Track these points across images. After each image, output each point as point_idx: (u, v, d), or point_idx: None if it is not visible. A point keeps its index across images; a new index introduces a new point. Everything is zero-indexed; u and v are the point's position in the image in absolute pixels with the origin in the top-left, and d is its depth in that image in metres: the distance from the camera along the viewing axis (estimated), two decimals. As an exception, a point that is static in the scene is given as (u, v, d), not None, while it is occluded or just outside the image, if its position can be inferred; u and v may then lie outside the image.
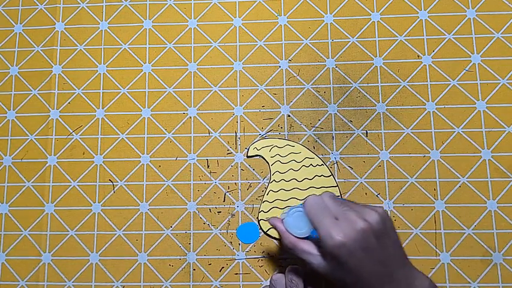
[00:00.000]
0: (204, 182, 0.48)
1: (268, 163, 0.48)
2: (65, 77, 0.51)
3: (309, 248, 0.36)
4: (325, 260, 0.34)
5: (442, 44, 0.49)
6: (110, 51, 0.51)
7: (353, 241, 0.32)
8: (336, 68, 0.49)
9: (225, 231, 0.47)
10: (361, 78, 0.49)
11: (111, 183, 0.48)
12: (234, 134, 0.49)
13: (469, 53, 0.49)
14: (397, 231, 0.35)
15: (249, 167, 0.48)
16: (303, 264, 0.37)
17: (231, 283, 0.45)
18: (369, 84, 0.49)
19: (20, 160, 0.49)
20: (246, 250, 0.46)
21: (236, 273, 0.46)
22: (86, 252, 0.47)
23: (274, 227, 0.39)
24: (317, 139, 0.48)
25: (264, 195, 0.47)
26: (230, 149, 0.48)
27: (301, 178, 0.47)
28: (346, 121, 0.48)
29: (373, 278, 0.33)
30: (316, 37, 0.50)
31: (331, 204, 0.36)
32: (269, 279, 0.45)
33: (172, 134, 0.49)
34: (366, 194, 0.46)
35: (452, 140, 0.47)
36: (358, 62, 0.49)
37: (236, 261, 0.46)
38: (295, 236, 0.37)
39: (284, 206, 0.46)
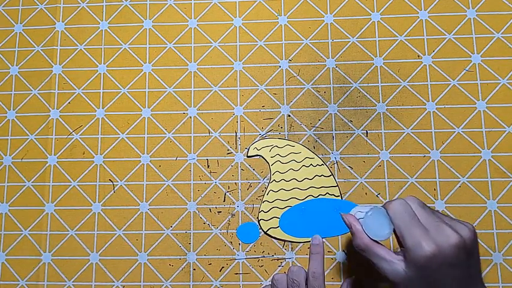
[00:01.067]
0: (204, 182, 0.48)
1: (268, 163, 0.48)
2: (65, 77, 0.51)
3: (385, 253, 0.34)
4: (403, 268, 0.33)
5: (442, 44, 0.49)
6: (110, 51, 0.51)
7: (445, 255, 0.31)
8: (336, 68, 0.49)
9: (225, 231, 0.47)
10: (361, 78, 0.49)
11: (111, 183, 0.48)
12: (234, 134, 0.49)
13: (469, 53, 0.49)
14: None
15: (249, 167, 0.48)
16: (368, 267, 0.36)
17: (231, 283, 0.45)
18: (369, 84, 0.49)
19: (20, 160, 0.49)
20: (246, 250, 0.46)
21: (236, 273, 0.46)
22: (86, 252, 0.47)
23: (348, 225, 0.37)
24: (317, 139, 0.48)
25: (264, 195, 0.47)
26: (230, 149, 0.48)
27: (301, 178, 0.47)
28: (346, 121, 0.48)
29: None
30: (316, 37, 0.50)
31: (421, 213, 0.34)
32: (270, 279, 0.45)
33: (172, 134, 0.49)
34: (366, 194, 0.46)
35: (452, 140, 0.47)
36: (358, 62, 0.50)
37: (236, 261, 0.46)
38: (371, 239, 0.36)
39: (284, 206, 0.46)
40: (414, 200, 0.35)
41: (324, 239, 0.46)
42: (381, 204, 0.38)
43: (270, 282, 0.41)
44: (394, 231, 0.35)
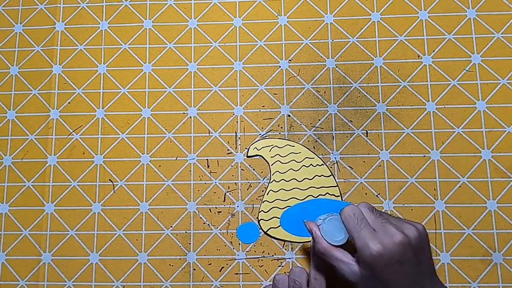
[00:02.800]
0: (204, 182, 0.48)
1: (268, 163, 0.48)
2: (65, 77, 0.51)
3: (342, 255, 0.37)
4: (358, 268, 0.35)
5: (442, 44, 0.49)
6: (110, 51, 0.51)
7: (390, 253, 0.33)
8: (336, 68, 0.49)
9: (225, 231, 0.47)
10: (361, 78, 0.49)
11: (111, 183, 0.48)
12: (234, 134, 0.49)
13: (469, 53, 0.49)
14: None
15: (249, 167, 0.48)
16: (331, 270, 0.38)
17: (231, 283, 0.45)
18: (369, 84, 0.49)
19: (20, 160, 0.49)
20: (246, 250, 0.46)
21: (236, 273, 0.46)
22: (86, 252, 0.47)
23: (310, 231, 0.39)
24: (317, 139, 0.48)
25: (264, 195, 0.47)
26: (230, 149, 0.48)
27: (301, 178, 0.47)
28: (346, 121, 0.48)
29: None
30: (316, 37, 0.50)
31: (369, 216, 0.37)
32: (271, 279, 0.45)
33: (172, 134, 0.49)
34: (366, 194, 0.46)
35: (452, 140, 0.47)
36: (358, 62, 0.50)
37: (236, 261, 0.46)
38: (329, 243, 0.38)
39: (284, 206, 0.46)
40: (365, 205, 0.38)
41: None
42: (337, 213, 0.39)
43: (271, 283, 0.41)
44: None
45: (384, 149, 0.47)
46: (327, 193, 0.46)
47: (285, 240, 0.46)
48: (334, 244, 0.38)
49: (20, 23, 0.53)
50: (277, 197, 0.47)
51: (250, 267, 0.46)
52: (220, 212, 0.47)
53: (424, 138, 0.47)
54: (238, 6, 0.52)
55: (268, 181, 0.47)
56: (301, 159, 0.47)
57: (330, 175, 0.47)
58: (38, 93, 0.51)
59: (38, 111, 0.50)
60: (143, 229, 0.47)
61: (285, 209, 0.46)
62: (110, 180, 0.48)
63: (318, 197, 0.46)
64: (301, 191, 0.46)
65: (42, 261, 0.47)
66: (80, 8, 0.53)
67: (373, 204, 0.45)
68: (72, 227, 0.47)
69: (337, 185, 0.47)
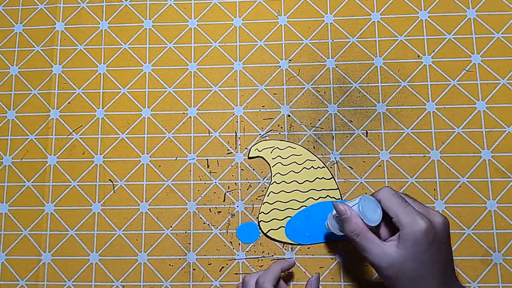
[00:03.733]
0: (204, 182, 0.48)
1: (269, 165, 0.48)
2: (65, 77, 0.51)
3: (375, 238, 0.36)
4: (394, 250, 0.35)
5: (442, 44, 0.49)
6: (110, 51, 0.51)
7: (436, 231, 0.34)
8: (336, 68, 0.49)
9: (225, 231, 0.47)
10: (361, 78, 0.49)
11: (111, 183, 0.48)
12: (234, 134, 0.49)
13: (469, 53, 0.49)
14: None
15: (249, 167, 0.48)
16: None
17: (231, 283, 0.45)
18: (369, 84, 0.49)
19: (20, 160, 0.49)
20: (246, 250, 0.46)
21: (236, 273, 0.46)
22: (86, 252, 0.47)
23: (343, 212, 0.38)
24: (317, 139, 0.48)
25: (264, 196, 0.47)
26: (230, 149, 0.48)
27: (302, 180, 0.47)
28: (346, 121, 0.48)
29: (440, 277, 0.34)
30: (316, 37, 0.50)
31: (406, 198, 0.37)
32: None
33: (172, 134, 0.49)
34: (365, 194, 0.46)
35: (452, 140, 0.47)
36: (358, 62, 0.49)
37: (236, 261, 0.46)
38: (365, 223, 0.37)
39: (284, 208, 0.46)
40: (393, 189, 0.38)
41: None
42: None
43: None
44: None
45: (384, 149, 0.47)
46: (328, 196, 0.46)
47: (284, 242, 0.46)
48: (368, 225, 0.37)
49: (20, 23, 0.53)
50: (277, 198, 0.46)
51: (250, 267, 0.46)
52: (220, 212, 0.47)
53: (424, 138, 0.47)
54: (238, 6, 0.52)
55: (268, 181, 0.47)
56: (303, 161, 0.47)
57: (331, 177, 0.47)
58: (38, 93, 0.51)
59: (38, 111, 0.50)
60: (143, 229, 0.47)
61: (285, 211, 0.46)
62: (109, 180, 0.48)
63: (319, 199, 0.46)
64: (302, 193, 0.46)
65: (42, 261, 0.47)
66: (80, 8, 0.53)
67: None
68: (72, 227, 0.47)
69: (338, 188, 0.47)
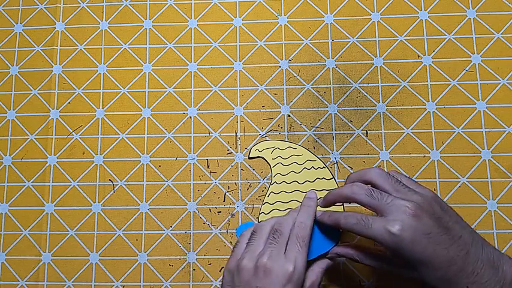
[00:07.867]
0: (204, 182, 0.48)
1: (270, 165, 0.48)
2: (65, 77, 0.51)
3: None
4: (412, 219, 0.32)
5: (442, 44, 0.49)
6: (110, 51, 0.51)
7: (438, 200, 0.35)
8: (336, 68, 0.49)
9: (225, 231, 0.47)
10: (361, 78, 0.49)
11: (111, 183, 0.48)
12: (234, 134, 0.49)
13: (469, 53, 0.49)
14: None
15: (249, 167, 0.48)
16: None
17: (231, 283, 0.45)
18: (369, 84, 0.49)
19: (20, 160, 0.49)
20: (246, 250, 0.46)
21: (236, 273, 0.46)
22: (86, 252, 0.47)
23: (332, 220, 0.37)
24: (317, 139, 0.48)
25: (264, 197, 0.47)
26: (230, 149, 0.48)
27: (302, 180, 0.47)
28: (346, 121, 0.48)
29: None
30: (316, 37, 0.50)
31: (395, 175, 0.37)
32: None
33: (172, 134, 0.49)
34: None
35: (452, 140, 0.47)
36: (358, 62, 0.50)
37: (236, 261, 0.46)
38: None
39: (285, 208, 0.46)
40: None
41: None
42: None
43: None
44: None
45: (384, 149, 0.47)
46: None
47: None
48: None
49: (20, 23, 0.53)
50: (278, 199, 0.46)
51: (250, 267, 0.46)
52: (220, 212, 0.47)
53: (424, 138, 0.47)
54: (238, 6, 0.52)
55: (268, 181, 0.47)
56: (303, 162, 0.47)
57: (331, 178, 0.47)
58: (38, 93, 0.51)
59: (38, 111, 0.50)
60: (143, 229, 0.47)
61: (285, 211, 0.46)
62: (109, 180, 0.48)
63: (319, 200, 0.46)
64: (303, 193, 0.46)
65: (42, 261, 0.47)
66: (80, 8, 0.53)
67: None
68: (72, 227, 0.47)
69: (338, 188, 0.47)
